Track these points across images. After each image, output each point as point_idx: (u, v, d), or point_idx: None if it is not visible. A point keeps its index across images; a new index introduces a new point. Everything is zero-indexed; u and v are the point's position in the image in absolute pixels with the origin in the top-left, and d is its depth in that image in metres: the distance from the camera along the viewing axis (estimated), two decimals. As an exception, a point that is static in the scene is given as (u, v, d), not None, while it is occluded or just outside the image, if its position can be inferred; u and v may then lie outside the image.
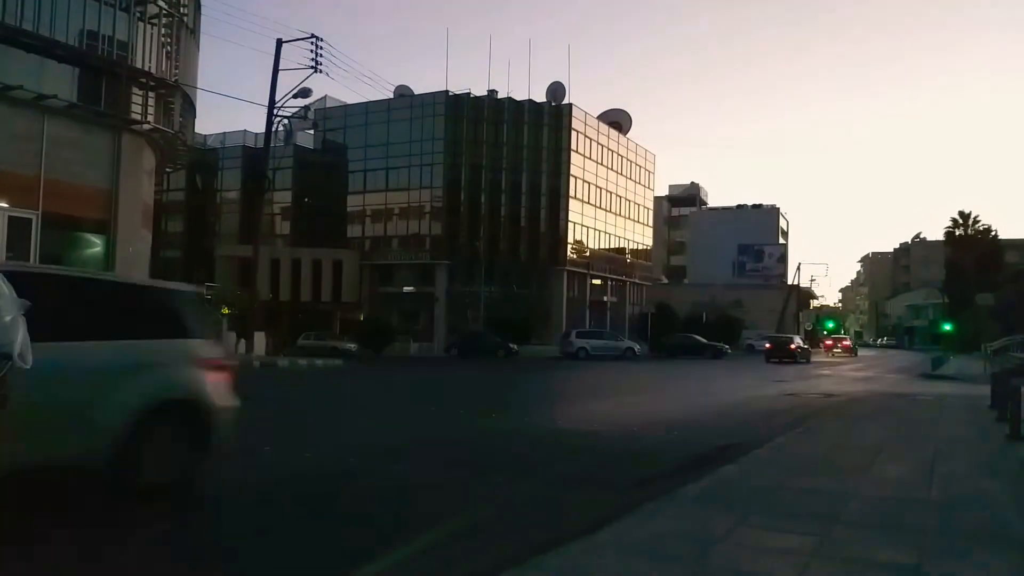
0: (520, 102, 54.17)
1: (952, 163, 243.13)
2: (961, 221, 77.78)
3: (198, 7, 30.39)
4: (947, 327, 56.35)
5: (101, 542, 4.75)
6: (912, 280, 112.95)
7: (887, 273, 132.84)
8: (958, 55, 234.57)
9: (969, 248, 73.96)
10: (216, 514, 5.79)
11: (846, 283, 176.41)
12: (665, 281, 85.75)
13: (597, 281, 60.01)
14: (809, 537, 4.79)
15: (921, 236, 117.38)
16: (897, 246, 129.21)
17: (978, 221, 77.28)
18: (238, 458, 7.06)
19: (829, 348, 64.65)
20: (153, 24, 26.00)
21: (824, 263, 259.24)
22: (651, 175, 70.54)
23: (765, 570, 4.15)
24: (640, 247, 68.18)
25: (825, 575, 4.11)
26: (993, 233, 77.18)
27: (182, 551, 4.74)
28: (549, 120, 54.71)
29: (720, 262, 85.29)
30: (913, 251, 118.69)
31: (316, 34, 29.27)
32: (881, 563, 4.35)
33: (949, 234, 79.08)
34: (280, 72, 29.04)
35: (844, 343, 67.05)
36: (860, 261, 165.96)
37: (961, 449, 9.26)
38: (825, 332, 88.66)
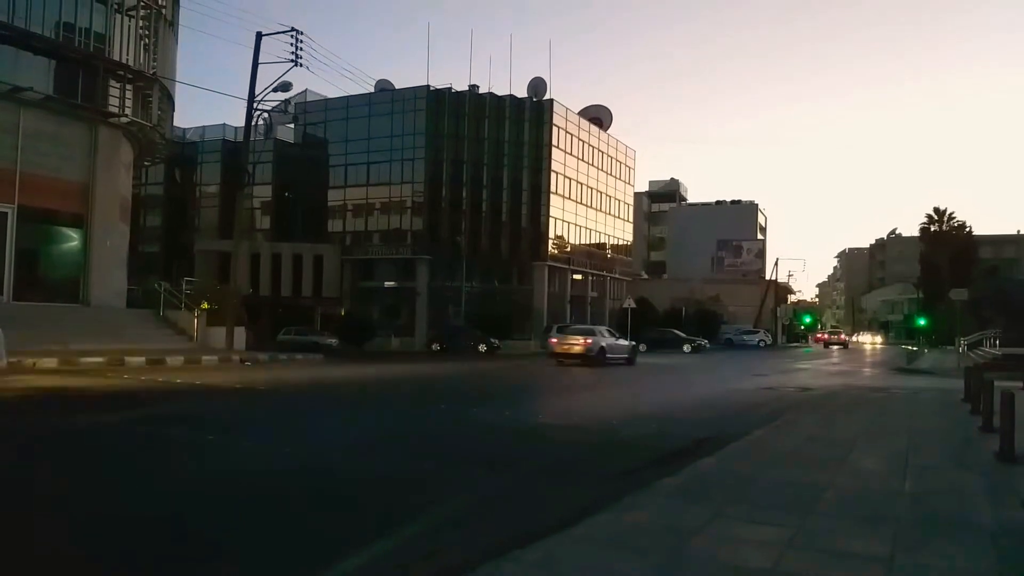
0: (501, 97, 54.13)
1: (928, 160, 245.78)
2: (936, 217, 78.53)
3: (176, -1, 30.11)
4: (922, 322, 57.09)
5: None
6: (888, 275, 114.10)
7: (863, 268, 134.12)
8: (934, 52, 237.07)
9: (944, 244, 74.70)
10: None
11: (823, 278, 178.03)
12: (645, 276, 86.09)
13: (578, 276, 60.14)
14: (784, 528, 4.86)
15: (897, 232, 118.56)
16: (873, 242, 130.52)
17: (953, 217, 78.07)
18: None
19: (826, 341, 74.70)
20: (131, 16, 25.72)
21: (802, 258, 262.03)
22: (631, 171, 70.77)
23: (741, 561, 4.21)
24: (620, 242, 68.42)
25: (800, 566, 4.17)
26: (968, 229, 78.01)
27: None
28: (530, 116, 54.71)
29: (699, 257, 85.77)
30: (889, 247, 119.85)
31: (296, 28, 29.06)
32: (855, 553, 4.43)
33: (924, 230, 79.83)
34: (260, 66, 28.72)
35: (840, 336, 78.72)
36: (837, 257, 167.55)
37: (935, 441, 9.40)
38: (803, 327, 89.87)
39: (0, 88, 22.05)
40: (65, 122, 24.35)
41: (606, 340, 28.12)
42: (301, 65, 29.08)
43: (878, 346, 72.61)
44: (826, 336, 79.03)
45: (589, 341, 27.26)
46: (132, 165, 29.63)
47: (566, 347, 27.67)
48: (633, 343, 32.59)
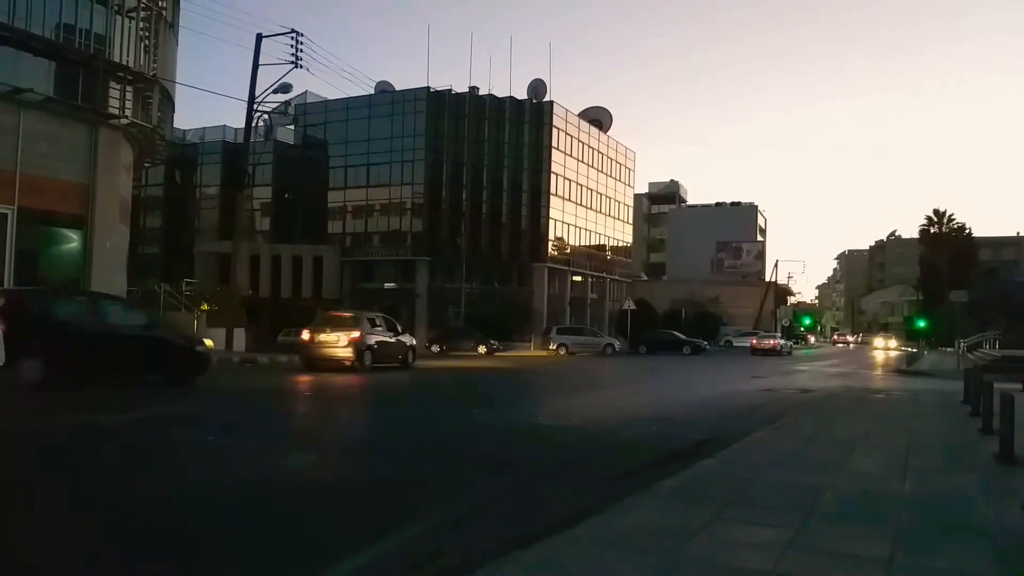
0: (501, 99, 54.14)
1: (928, 161, 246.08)
2: (936, 219, 78.53)
3: (177, 1, 30.09)
4: (921, 323, 57.10)
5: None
6: (887, 277, 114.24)
7: (863, 270, 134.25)
8: (934, 54, 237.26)
9: (944, 246, 74.68)
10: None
11: (823, 280, 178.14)
12: (645, 278, 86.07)
13: (578, 278, 60.15)
14: (784, 530, 4.86)
15: (896, 234, 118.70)
16: (873, 244, 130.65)
17: (952, 219, 78.08)
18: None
19: (835, 341, 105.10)
20: (131, 18, 25.70)
21: (801, 260, 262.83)
22: (631, 172, 70.77)
23: (740, 563, 4.21)
24: (620, 244, 68.43)
25: (799, 567, 4.17)
26: (967, 231, 78.03)
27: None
28: (530, 117, 54.73)
29: (699, 259, 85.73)
30: (888, 249, 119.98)
31: (296, 29, 29.13)
32: (854, 555, 4.43)
33: (924, 232, 79.81)
34: (260, 67, 28.81)
35: (846, 338, 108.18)
36: (837, 258, 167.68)
37: (935, 443, 9.41)
38: (803, 328, 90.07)
39: (0, 89, 22.03)
40: (65, 123, 24.33)
41: (779, 341, 49.53)
42: (301, 67, 29.15)
43: (891, 351, 63.99)
44: (837, 338, 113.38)
45: (775, 342, 47.67)
46: (132, 166, 29.59)
47: (763, 345, 48.24)
48: (790, 342, 52.78)
